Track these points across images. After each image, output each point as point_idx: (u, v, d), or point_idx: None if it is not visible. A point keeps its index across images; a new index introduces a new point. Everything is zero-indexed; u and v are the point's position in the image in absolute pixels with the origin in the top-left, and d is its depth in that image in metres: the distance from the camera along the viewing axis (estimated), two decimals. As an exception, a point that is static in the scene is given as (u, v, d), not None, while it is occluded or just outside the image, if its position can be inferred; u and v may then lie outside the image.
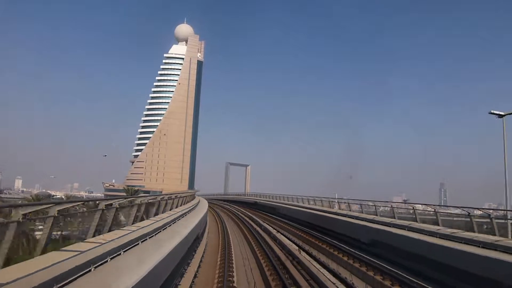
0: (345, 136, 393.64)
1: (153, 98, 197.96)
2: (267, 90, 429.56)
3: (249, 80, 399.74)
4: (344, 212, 29.69)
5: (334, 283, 12.68)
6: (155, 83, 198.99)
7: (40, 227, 7.67)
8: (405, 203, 36.72)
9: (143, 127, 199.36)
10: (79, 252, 6.96)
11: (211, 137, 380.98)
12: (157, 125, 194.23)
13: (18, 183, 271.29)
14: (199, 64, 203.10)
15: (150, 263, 7.86)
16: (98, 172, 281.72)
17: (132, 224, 12.35)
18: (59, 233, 9.40)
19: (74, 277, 5.92)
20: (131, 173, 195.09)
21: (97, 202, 10.36)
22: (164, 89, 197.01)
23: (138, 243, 9.79)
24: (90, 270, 6.65)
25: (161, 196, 18.81)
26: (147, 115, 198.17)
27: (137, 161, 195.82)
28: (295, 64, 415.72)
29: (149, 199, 15.55)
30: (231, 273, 15.58)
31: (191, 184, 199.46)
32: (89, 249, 7.34)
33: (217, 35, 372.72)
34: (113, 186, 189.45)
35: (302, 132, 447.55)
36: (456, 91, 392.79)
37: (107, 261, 7.41)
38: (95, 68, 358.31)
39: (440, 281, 13.64)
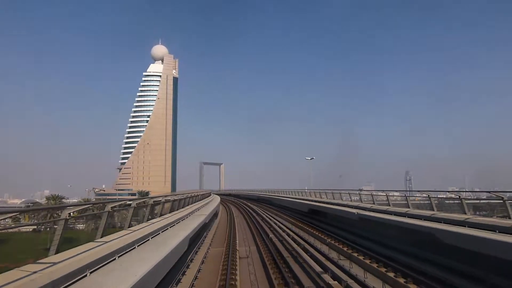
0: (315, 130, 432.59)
1: (135, 112, 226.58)
2: (240, 92, 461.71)
3: (223, 86, 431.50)
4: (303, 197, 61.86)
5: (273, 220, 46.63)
6: (137, 98, 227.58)
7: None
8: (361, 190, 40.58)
9: (128, 137, 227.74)
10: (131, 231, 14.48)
11: (187, 140, 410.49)
12: (141, 135, 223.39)
13: None
14: (175, 80, 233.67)
15: (191, 227, 35.30)
16: (67, 177, 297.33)
17: (170, 212, 19.99)
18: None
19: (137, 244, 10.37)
20: (120, 178, 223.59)
21: (130, 202, 13.91)
22: (145, 103, 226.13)
23: (174, 224, 32.60)
24: (147, 239, 11.35)
25: (186, 195, 51.35)
26: (131, 127, 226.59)
27: (124, 168, 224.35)
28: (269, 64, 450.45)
29: (177, 197, 48.45)
30: (233, 220, 49.54)
31: (173, 185, 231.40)
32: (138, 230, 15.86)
33: (190, 46, 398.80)
34: (104, 190, 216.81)
35: (276, 131, 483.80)
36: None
37: (158, 234, 13.09)
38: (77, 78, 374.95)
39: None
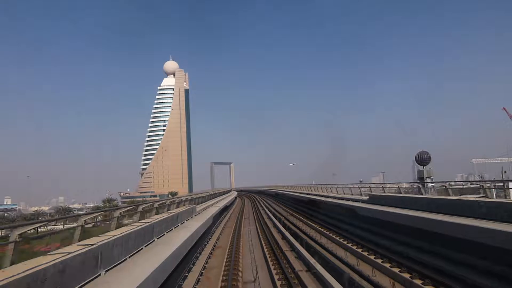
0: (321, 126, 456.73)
1: (152, 122, 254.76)
2: (247, 93, 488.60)
3: (231, 89, 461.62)
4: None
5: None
6: (153, 110, 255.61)
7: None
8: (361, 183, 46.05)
9: (147, 145, 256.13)
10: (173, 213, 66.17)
11: (199, 142, 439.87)
12: (159, 143, 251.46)
13: (8, 202, 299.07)
14: (186, 92, 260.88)
15: (215, 209, 66.91)
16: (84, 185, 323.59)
17: (213, 199, 70.94)
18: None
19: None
20: (142, 182, 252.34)
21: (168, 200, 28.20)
22: (161, 114, 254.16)
23: (220, 200, 68.82)
24: (201, 212, 49.53)
25: (211, 192, 77.80)
26: (149, 136, 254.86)
27: (146, 172, 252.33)
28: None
29: (205, 195, 74.73)
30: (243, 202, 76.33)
31: (190, 185, 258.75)
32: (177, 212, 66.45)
33: (197, 56, 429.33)
34: (129, 193, 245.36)
35: (282, 130, 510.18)
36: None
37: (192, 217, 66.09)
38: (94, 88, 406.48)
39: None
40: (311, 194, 45.91)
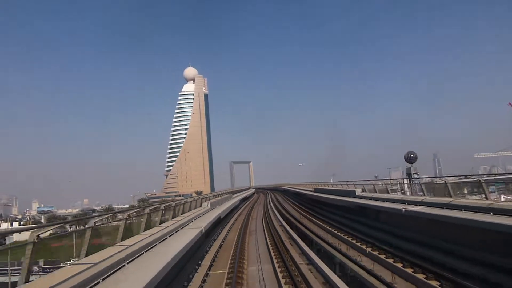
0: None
1: (175, 126, 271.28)
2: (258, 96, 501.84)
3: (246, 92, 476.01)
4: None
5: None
6: (175, 115, 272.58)
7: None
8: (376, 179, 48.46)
9: (170, 148, 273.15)
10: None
11: (219, 143, 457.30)
12: (181, 145, 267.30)
13: (35, 206, 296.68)
14: (205, 96, 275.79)
15: (234, 200, 79.83)
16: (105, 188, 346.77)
17: (237, 193, 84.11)
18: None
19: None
20: (167, 183, 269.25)
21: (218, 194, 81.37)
22: (182, 118, 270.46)
23: (231, 199, 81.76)
24: (232, 197, 78.31)
25: (231, 190, 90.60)
26: (172, 139, 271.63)
27: (170, 174, 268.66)
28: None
29: (234, 190, 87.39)
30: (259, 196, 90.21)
31: (211, 185, 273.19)
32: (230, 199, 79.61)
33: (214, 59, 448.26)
34: (155, 194, 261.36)
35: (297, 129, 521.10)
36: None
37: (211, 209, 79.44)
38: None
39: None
40: (301, 189, 66.43)
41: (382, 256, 15.31)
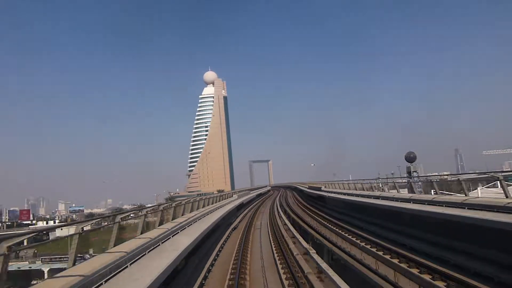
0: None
1: (196, 128, 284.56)
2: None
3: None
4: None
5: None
6: (196, 117, 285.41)
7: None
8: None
9: (192, 149, 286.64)
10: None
11: (238, 142, 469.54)
12: (203, 146, 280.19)
13: (62, 206, 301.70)
14: (225, 99, 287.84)
15: (256, 193, 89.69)
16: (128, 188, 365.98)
17: (254, 190, 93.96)
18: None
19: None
20: (189, 183, 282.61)
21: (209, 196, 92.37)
22: (203, 120, 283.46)
23: (257, 192, 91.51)
24: (249, 193, 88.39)
25: (249, 188, 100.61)
26: (194, 140, 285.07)
27: (192, 174, 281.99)
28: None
29: (252, 188, 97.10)
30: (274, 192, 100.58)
31: (232, 184, 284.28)
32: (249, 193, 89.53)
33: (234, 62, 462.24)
34: (178, 193, 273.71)
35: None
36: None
37: (250, 194, 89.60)
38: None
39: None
40: (303, 186, 77.41)
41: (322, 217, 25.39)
